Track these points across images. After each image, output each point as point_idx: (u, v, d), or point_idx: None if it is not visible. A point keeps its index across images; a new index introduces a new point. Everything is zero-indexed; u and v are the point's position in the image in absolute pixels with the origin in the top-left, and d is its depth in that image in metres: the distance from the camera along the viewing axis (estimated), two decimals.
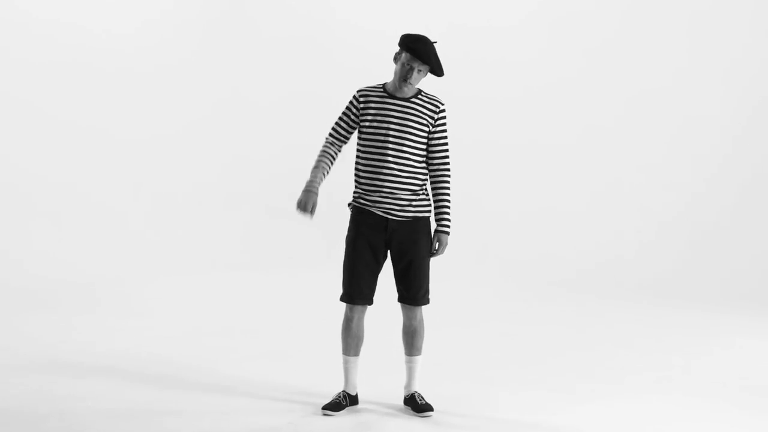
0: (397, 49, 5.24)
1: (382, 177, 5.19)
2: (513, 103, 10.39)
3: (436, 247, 5.30)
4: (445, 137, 5.32)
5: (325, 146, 5.31)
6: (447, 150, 5.33)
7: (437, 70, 5.19)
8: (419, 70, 5.15)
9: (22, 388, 5.56)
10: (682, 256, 9.75)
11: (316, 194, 5.18)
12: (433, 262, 5.31)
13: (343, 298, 5.30)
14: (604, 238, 9.95)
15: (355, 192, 5.31)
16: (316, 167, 5.25)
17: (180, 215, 10.00)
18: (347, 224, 5.31)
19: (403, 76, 5.15)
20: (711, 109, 10.23)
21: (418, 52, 5.10)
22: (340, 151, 5.36)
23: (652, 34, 10.27)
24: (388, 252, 5.30)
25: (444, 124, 5.29)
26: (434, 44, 5.17)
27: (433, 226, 5.34)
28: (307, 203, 5.15)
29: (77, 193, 9.62)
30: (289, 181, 9.58)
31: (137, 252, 9.46)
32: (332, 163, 5.32)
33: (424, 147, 5.25)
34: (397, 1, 10.48)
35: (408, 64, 5.13)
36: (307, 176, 5.23)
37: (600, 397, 5.83)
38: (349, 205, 5.33)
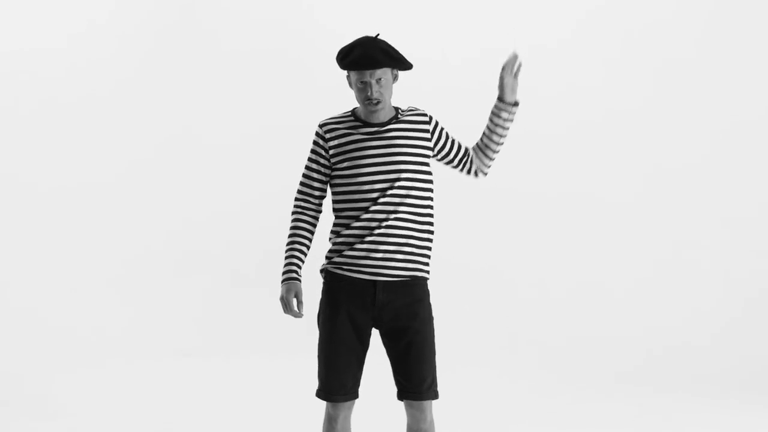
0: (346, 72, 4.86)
1: (373, 230, 4.81)
2: (557, 142, 9.95)
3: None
4: (452, 137, 5.10)
5: (294, 217, 5.00)
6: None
7: (400, 64, 4.78)
8: (378, 79, 4.75)
9: None
10: None
11: (299, 281, 4.93)
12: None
13: (319, 395, 4.96)
14: (673, 318, 9.66)
15: (329, 253, 4.92)
16: (289, 248, 4.97)
17: (109, 288, 9.60)
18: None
19: (365, 98, 4.78)
20: None
21: (361, 62, 4.72)
22: (318, 213, 5.04)
23: (744, 50, 9.88)
24: (373, 329, 4.96)
25: (443, 127, 5.07)
26: (377, 38, 4.81)
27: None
28: (289, 302, 4.89)
29: None
30: (257, 243, 9.72)
31: (51, 337, 9.18)
32: (311, 235, 5.03)
33: (429, 179, 4.90)
34: (399, 6, 10.03)
35: (361, 83, 4.77)
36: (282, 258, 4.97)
37: None
38: (322, 271, 4.97)
